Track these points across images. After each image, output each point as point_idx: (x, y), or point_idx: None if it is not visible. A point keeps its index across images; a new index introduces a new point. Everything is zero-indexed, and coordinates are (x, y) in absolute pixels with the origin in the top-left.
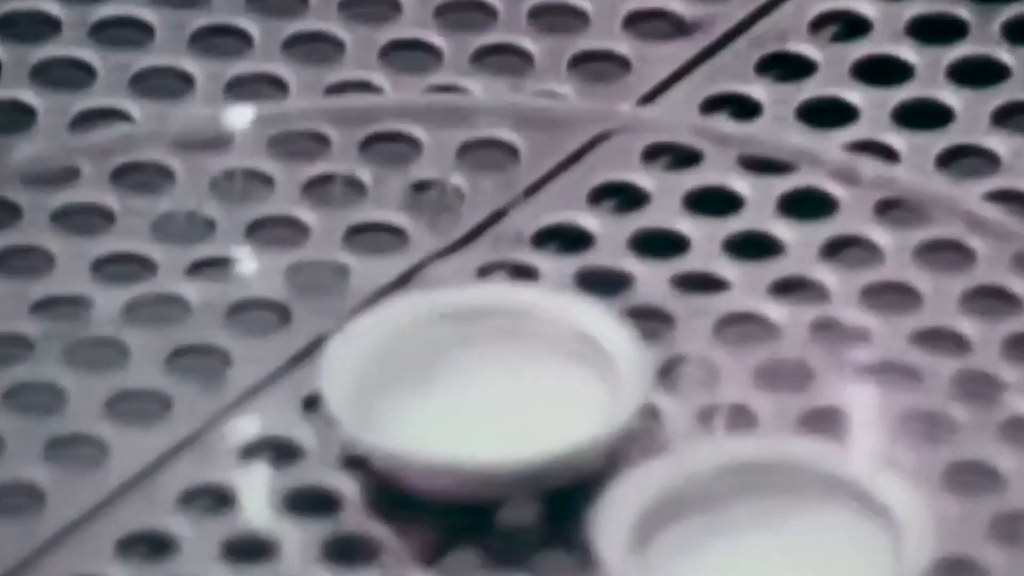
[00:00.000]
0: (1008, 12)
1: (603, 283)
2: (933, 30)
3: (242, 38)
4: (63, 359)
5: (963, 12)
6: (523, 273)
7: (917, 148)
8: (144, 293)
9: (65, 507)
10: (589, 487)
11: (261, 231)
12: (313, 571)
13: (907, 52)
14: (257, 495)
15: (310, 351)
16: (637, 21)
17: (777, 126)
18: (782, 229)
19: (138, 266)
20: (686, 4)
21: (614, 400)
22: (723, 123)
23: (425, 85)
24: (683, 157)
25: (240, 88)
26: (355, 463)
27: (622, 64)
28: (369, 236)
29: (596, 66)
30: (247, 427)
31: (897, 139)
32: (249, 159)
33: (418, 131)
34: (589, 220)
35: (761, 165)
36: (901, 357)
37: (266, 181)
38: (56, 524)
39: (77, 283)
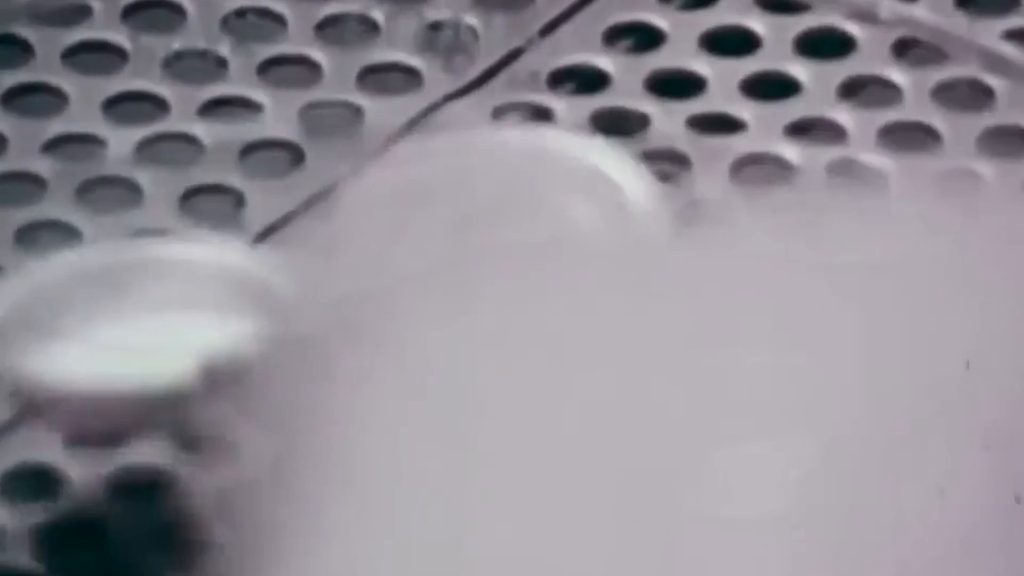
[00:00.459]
0: None
1: (619, 124)
2: None
3: None
4: (76, 199)
5: None
6: (538, 114)
7: None
8: (157, 132)
9: None
10: None
11: (274, 71)
12: None
13: None
14: None
15: (324, 193)
16: None
17: None
18: (799, 69)
19: (151, 105)
20: None
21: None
22: None
23: None
24: None
25: None
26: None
27: None
28: (383, 76)
29: None
30: None
31: None
32: None
33: None
34: (604, 61)
35: (778, 4)
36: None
37: (279, 20)
38: None
39: (89, 122)
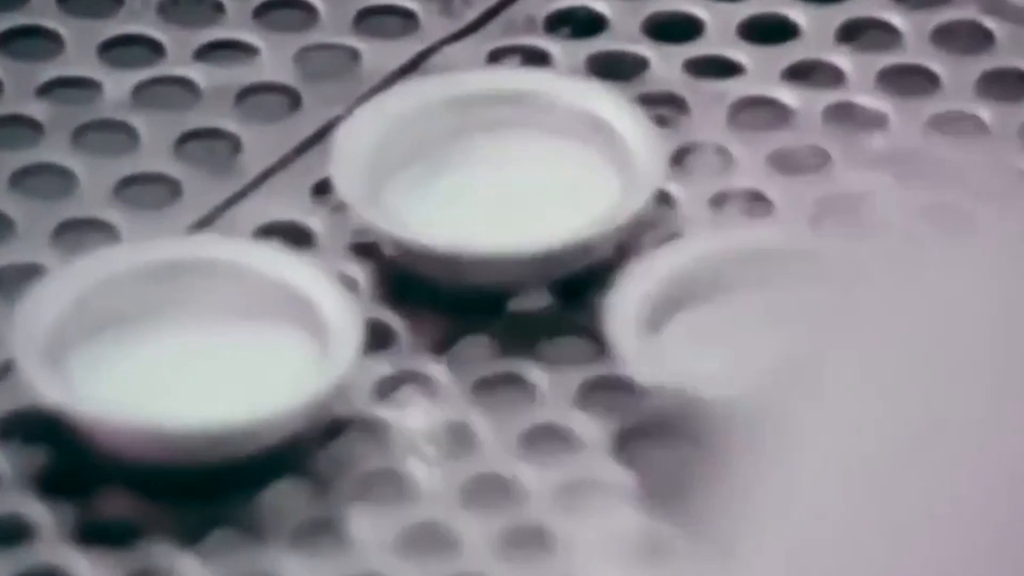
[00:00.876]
0: None
1: (616, 68)
2: None
3: None
4: (71, 143)
5: None
6: (535, 58)
7: None
8: (152, 76)
9: None
10: (601, 274)
11: (270, 14)
12: None
13: None
14: None
15: (320, 136)
16: None
17: None
18: (797, 13)
19: (146, 49)
20: None
21: (627, 187)
22: None
23: None
24: None
25: None
26: (365, 250)
27: None
28: (379, 20)
29: None
30: (257, 213)
31: None
32: None
33: None
34: (601, 4)
35: None
36: (918, 142)
37: None
38: None
39: (85, 66)
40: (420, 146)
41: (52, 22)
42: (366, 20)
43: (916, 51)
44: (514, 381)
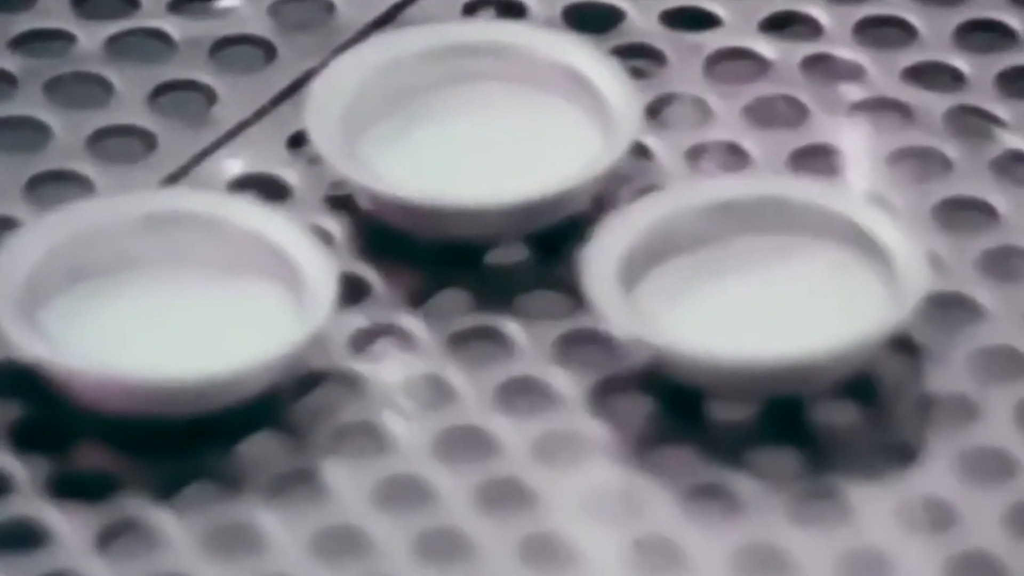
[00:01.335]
0: None
1: (593, 19)
2: None
3: None
4: (45, 95)
5: None
6: (511, 10)
7: None
8: (127, 28)
9: None
10: (578, 227)
11: None
12: None
13: None
14: None
15: (295, 89)
16: None
17: None
18: None
19: (120, 1)
20: None
21: (603, 139)
22: None
23: None
24: None
25: None
26: (341, 202)
27: None
28: None
29: None
30: (232, 165)
31: None
32: None
33: None
34: None
35: None
36: (894, 93)
37: None
38: None
39: (58, 18)
40: (396, 98)
41: None
42: None
43: (892, 2)
44: (490, 334)
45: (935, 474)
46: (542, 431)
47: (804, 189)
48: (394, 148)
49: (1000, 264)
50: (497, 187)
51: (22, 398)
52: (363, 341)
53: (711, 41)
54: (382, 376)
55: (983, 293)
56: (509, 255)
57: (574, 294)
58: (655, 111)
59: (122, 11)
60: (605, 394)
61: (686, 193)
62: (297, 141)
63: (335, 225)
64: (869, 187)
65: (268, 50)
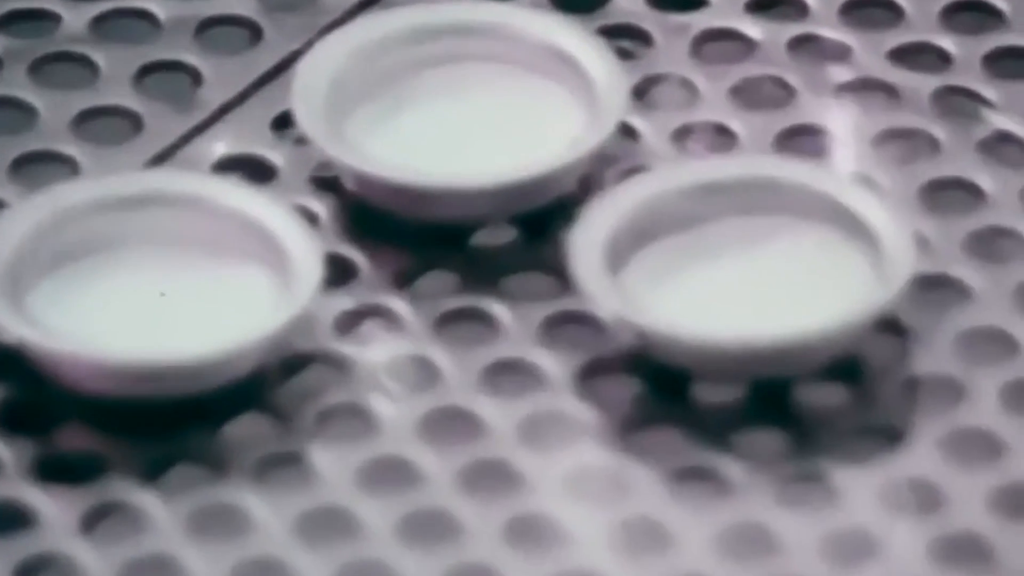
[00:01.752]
0: None
1: (579, 0)
2: None
3: None
4: (30, 76)
5: None
6: None
7: None
8: (112, 8)
9: None
10: (564, 208)
11: None
12: None
13: None
14: None
15: (281, 70)
16: None
17: None
18: None
19: None
20: None
21: (590, 120)
22: None
23: None
24: None
25: None
26: (327, 183)
27: None
28: None
29: None
30: (218, 146)
31: None
32: None
33: None
34: None
35: None
36: (881, 74)
37: None
38: None
39: None
40: (381, 79)
41: None
42: None
43: None
44: (476, 315)
45: (921, 456)
46: (528, 412)
47: (791, 170)
48: (380, 129)
49: (987, 245)
50: (483, 168)
51: (6, 380)
52: (349, 323)
53: (698, 22)
54: (368, 357)
55: (970, 274)
56: (495, 236)
57: (560, 275)
58: (642, 92)
59: None
60: (591, 375)
61: (673, 174)
62: (283, 122)
63: (321, 206)
64: (856, 168)
65: (254, 31)
